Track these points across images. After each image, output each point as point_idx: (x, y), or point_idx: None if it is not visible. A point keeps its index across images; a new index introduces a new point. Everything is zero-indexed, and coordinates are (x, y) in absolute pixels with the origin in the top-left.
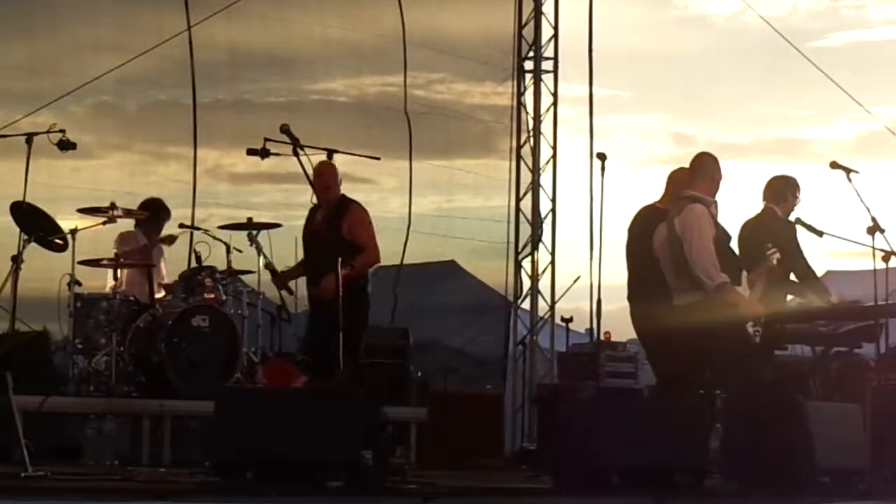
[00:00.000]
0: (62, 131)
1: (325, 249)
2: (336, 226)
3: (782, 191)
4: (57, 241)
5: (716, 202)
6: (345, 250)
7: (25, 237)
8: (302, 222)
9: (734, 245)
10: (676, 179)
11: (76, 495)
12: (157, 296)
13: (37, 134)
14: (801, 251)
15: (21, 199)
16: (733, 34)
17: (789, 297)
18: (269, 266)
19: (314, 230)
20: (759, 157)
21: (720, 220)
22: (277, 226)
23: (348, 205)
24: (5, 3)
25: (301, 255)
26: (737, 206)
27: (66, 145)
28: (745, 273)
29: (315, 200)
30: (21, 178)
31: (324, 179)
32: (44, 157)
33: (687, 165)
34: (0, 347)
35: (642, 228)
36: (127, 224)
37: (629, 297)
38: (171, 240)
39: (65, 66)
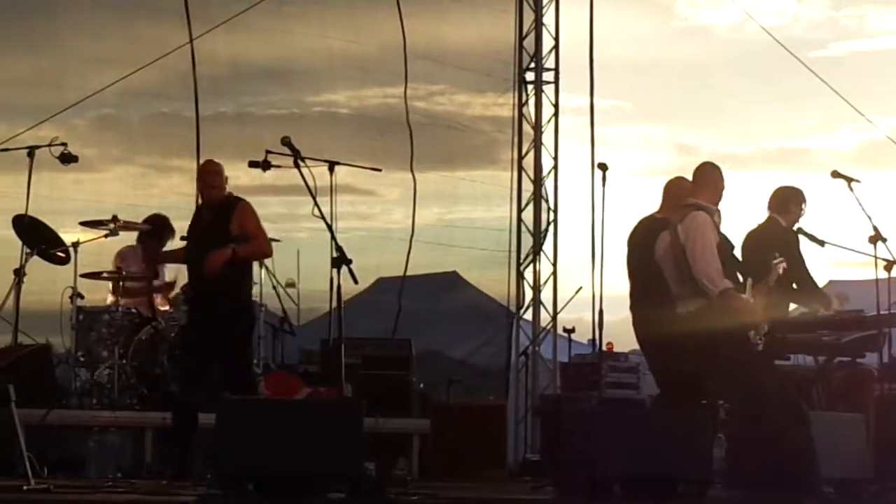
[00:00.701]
0: (64, 144)
1: (213, 246)
2: (224, 223)
3: (786, 201)
4: (59, 254)
5: (719, 211)
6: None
7: (27, 250)
8: (305, 234)
9: (737, 254)
10: (673, 189)
11: None
12: (161, 309)
13: (39, 147)
14: (803, 261)
15: (23, 212)
16: (735, 44)
17: (792, 306)
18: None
19: (202, 228)
20: (761, 166)
21: (723, 229)
22: (277, 240)
23: (235, 202)
24: (7, 17)
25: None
26: (739, 215)
27: (67, 158)
28: (749, 281)
29: (202, 200)
30: (23, 191)
31: (208, 178)
32: (46, 170)
33: (689, 175)
34: (3, 360)
35: (642, 238)
36: (128, 238)
37: (631, 307)
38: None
39: (67, 80)
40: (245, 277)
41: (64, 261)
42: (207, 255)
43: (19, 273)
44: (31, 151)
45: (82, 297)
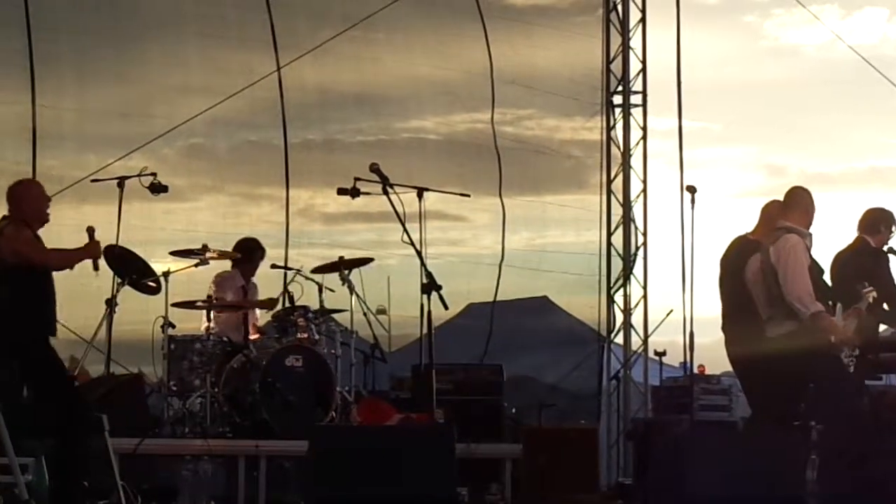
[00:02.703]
0: (154, 174)
1: None
2: None
3: (876, 222)
4: (150, 283)
5: (810, 234)
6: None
7: (119, 280)
8: (395, 261)
9: (826, 278)
10: (770, 212)
11: None
12: (252, 337)
13: (129, 177)
14: (893, 281)
15: (114, 242)
16: (824, 64)
17: (882, 326)
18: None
19: None
20: (852, 186)
21: (813, 253)
22: (369, 260)
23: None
24: (96, 48)
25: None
26: (830, 236)
27: (157, 188)
28: (839, 306)
29: None
30: (114, 221)
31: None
32: (136, 200)
33: (779, 197)
34: (96, 390)
35: (734, 259)
36: (224, 265)
37: (723, 327)
38: (272, 304)
39: (155, 109)
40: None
41: (155, 290)
42: None
43: (111, 303)
44: (122, 182)
45: (174, 326)
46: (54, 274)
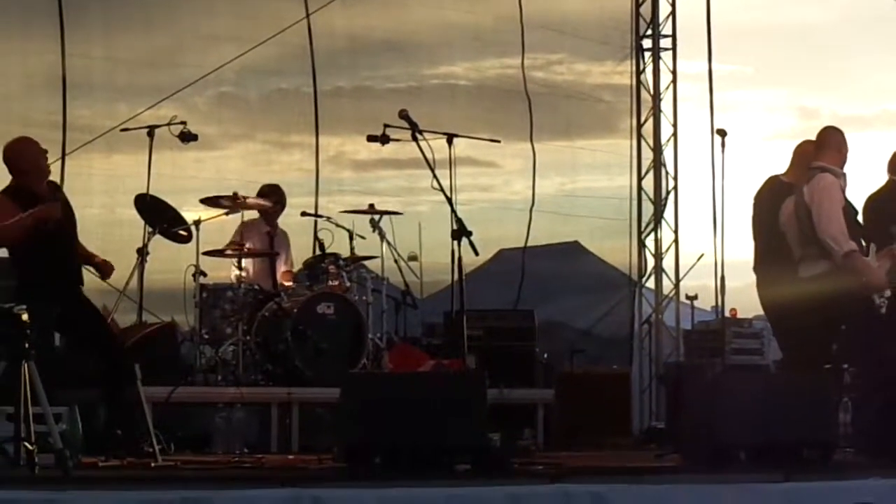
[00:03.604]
0: (183, 123)
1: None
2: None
3: None
4: (181, 232)
5: (844, 174)
6: None
7: (150, 229)
8: (426, 207)
9: (860, 220)
10: (803, 152)
11: (206, 484)
12: (286, 284)
13: (158, 126)
14: None
15: (145, 191)
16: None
17: None
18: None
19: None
20: (886, 127)
21: (847, 195)
22: (398, 213)
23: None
24: None
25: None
26: (864, 179)
27: (187, 137)
28: (872, 246)
29: None
30: (144, 170)
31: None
32: (166, 149)
33: (812, 138)
34: (128, 339)
35: (768, 200)
36: (254, 213)
37: (755, 268)
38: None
39: (184, 58)
40: None
41: (186, 239)
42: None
43: (142, 252)
44: (151, 131)
45: (205, 274)
46: (85, 224)
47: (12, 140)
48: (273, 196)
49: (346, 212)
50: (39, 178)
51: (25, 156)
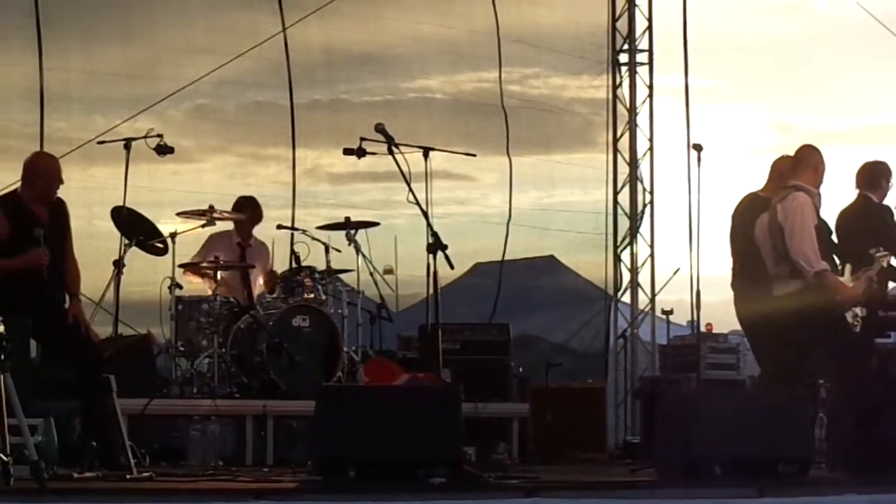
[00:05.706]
0: (160, 136)
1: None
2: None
3: (877, 177)
4: (157, 244)
5: (819, 193)
6: None
7: (126, 241)
8: (402, 220)
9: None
10: (780, 168)
11: (181, 496)
12: (258, 292)
13: (135, 139)
14: None
15: (121, 203)
16: (834, 20)
17: (891, 284)
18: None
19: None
20: (862, 142)
21: (824, 212)
22: (375, 224)
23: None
24: (101, 10)
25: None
26: (841, 194)
27: (164, 150)
28: (847, 266)
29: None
30: (121, 183)
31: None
32: (143, 161)
33: (790, 153)
34: (104, 351)
35: (745, 216)
36: (229, 225)
37: (732, 285)
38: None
39: (161, 71)
40: None
41: (162, 251)
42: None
43: (119, 264)
44: (128, 143)
45: (181, 287)
46: None
47: (42, 155)
48: (248, 209)
49: (322, 227)
50: (43, 201)
51: (40, 171)
